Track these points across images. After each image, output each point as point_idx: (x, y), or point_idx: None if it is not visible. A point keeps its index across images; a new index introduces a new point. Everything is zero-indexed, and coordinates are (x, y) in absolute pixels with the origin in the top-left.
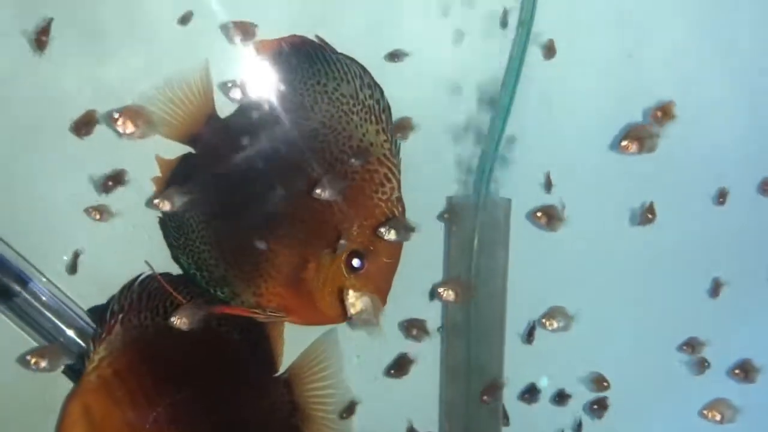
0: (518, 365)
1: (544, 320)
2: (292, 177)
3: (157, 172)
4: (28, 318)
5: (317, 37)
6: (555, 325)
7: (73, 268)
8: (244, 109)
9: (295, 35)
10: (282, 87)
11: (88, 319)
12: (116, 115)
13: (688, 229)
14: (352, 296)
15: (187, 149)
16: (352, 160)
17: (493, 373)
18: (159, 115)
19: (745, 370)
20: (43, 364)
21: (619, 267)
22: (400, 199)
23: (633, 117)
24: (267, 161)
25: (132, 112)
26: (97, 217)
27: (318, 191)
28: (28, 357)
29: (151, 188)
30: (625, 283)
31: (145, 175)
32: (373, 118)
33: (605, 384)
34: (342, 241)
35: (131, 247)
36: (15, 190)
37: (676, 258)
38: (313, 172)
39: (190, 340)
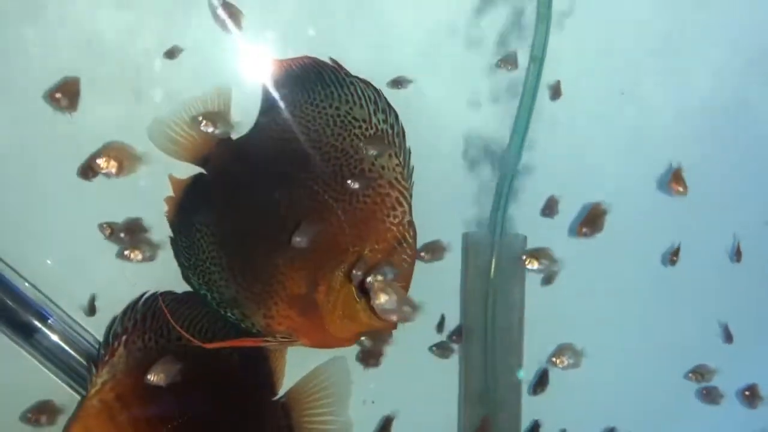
0: (535, 402)
1: (554, 359)
2: (302, 199)
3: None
4: (47, 353)
5: (331, 59)
6: (565, 362)
7: (91, 311)
8: (255, 131)
9: (307, 56)
10: (293, 109)
11: None
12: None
13: (705, 275)
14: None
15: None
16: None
17: (510, 409)
18: (172, 137)
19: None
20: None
21: (635, 305)
22: (411, 223)
23: (647, 151)
24: (278, 183)
25: (114, 151)
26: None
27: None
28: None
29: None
30: (642, 320)
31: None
32: (386, 141)
33: None
34: (356, 271)
35: (148, 278)
36: (34, 228)
37: (693, 300)
38: (325, 194)
39: (193, 362)
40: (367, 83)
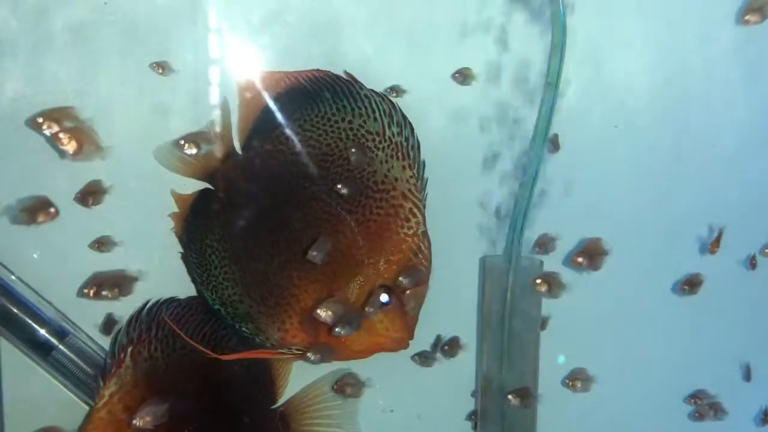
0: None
1: (567, 381)
2: (315, 212)
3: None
4: (64, 370)
5: (346, 72)
6: (578, 385)
7: (107, 329)
8: (264, 145)
9: (318, 69)
10: (303, 123)
11: None
12: (40, 120)
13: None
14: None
15: (202, 184)
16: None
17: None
18: (178, 155)
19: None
20: None
21: (651, 328)
22: (425, 234)
23: (666, 170)
24: (289, 197)
25: (76, 132)
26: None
27: (313, 254)
28: None
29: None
30: (659, 345)
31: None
32: (400, 155)
33: None
34: (374, 299)
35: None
36: (51, 247)
37: (712, 327)
38: (338, 206)
39: (197, 371)
40: (383, 96)
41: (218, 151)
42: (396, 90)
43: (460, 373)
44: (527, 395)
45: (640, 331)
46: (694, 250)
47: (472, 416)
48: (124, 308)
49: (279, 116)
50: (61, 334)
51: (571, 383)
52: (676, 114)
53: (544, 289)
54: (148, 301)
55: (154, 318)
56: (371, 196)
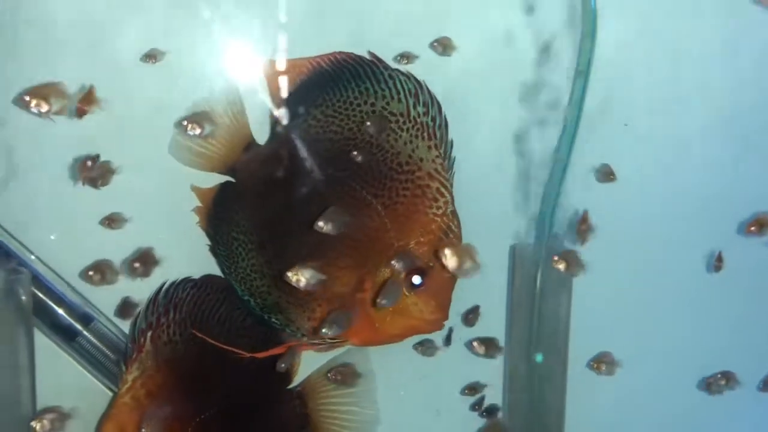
0: (579, 411)
1: (593, 363)
2: (340, 198)
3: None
4: (88, 356)
5: (370, 53)
6: (603, 368)
7: (122, 313)
8: (284, 133)
9: (340, 52)
10: (325, 108)
11: None
12: (27, 98)
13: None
14: (449, 253)
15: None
16: (354, 155)
17: (554, 415)
18: (195, 150)
19: None
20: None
21: (683, 313)
22: (455, 213)
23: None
24: (313, 184)
25: (43, 90)
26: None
27: (320, 224)
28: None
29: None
30: (691, 330)
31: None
32: (425, 134)
33: None
34: (397, 264)
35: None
36: (77, 234)
37: (743, 309)
38: (363, 190)
39: (216, 354)
40: (408, 75)
41: (237, 142)
42: (406, 56)
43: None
44: (493, 345)
45: (669, 312)
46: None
47: (476, 406)
48: (139, 290)
49: (300, 103)
50: (85, 320)
51: (596, 366)
52: (716, 93)
53: (561, 267)
54: (163, 284)
55: (171, 300)
56: (396, 178)
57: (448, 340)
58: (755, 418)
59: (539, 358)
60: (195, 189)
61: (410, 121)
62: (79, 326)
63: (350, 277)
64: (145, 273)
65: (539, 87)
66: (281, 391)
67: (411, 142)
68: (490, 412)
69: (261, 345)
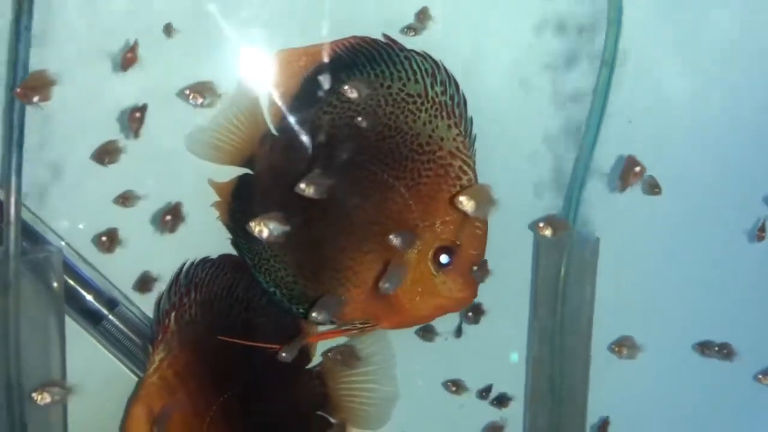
0: (600, 398)
1: (614, 347)
2: (362, 182)
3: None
4: (113, 340)
5: (384, 35)
6: (624, 352)
7: (141, 287)
8: (299, 121)
9: (354, 36)
10: (341, 95)
11: None
12: (187, 92)
13: None
14: (464, 199)
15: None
16: (360, 121)
17: (577, 401)
18: (212, 143)
19: None
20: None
21: (710, 299)
22: None
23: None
24: (333, 171)
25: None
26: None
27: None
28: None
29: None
30: (717, 315)
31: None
32: (444, 114)
33: None
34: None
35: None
36: (102, 219)
37: None
38: (384, 173)
39: (236, 334)
40: (425, 56)
41: (253, 134)
42: (413, 28)
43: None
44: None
45: (695, 297)
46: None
47: (483, 392)
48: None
49: (316, 90)
50: (111, 304)
51: (617, 349)
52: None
53: (547, 232)
54: (184, 264)
55: (192, 280)
56: (417, 159)
57: (459, 332)
58: None
59: (515, 357)
60: (213, 184)
61: (428, 101)
62: (104, 310)
63: (377, 261)
64: (173, 228)
65: (564, 71)
66: (300, 371)
67: (430, 122)
68: (501, 401)
69: (277, 324)
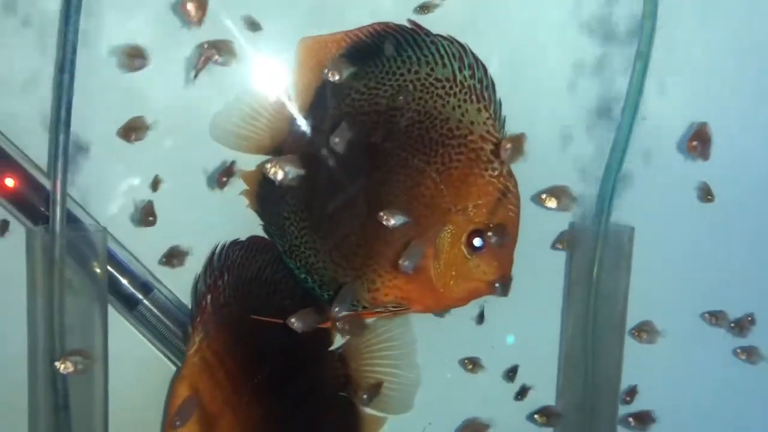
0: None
1: (634, 332)
2: (392, 168)
3: None
4: (148, 324)
5: (409, 21)
6: (644, 337)
7: (168, 261)
8: (327, 109)
9: (378, 23)
10: (367, 81)
11: None
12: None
13: None
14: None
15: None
16: (400, 98)
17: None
18: (239, 133)
19: None
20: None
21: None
22: (511, 173)
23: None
24: (363, 158)
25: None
26: None
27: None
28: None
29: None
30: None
31: None
32: (473, 97)
33: None
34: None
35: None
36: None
37: None
38: (414, 159)
39: (265, 316)
40: (451, 39)
41: (279, 122)
42: (426, 7)
43: (542, 342)
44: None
45: (730, 288)
46: None
47: (510, 374)
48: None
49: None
50: (146, 289)
51: (637, 334)
52: None
53: (552, 204)
54: (216, 246)
55: (224, 263)
56: (448, 143)
57: (480, 318)
58: None
59: (510, 339)
60: (241, 173)
61: (457, 86)
62: (139, 295)
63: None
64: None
65: (600, 64)
66: (323, 354)
67: (460, 106)
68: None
69: (304, 306)
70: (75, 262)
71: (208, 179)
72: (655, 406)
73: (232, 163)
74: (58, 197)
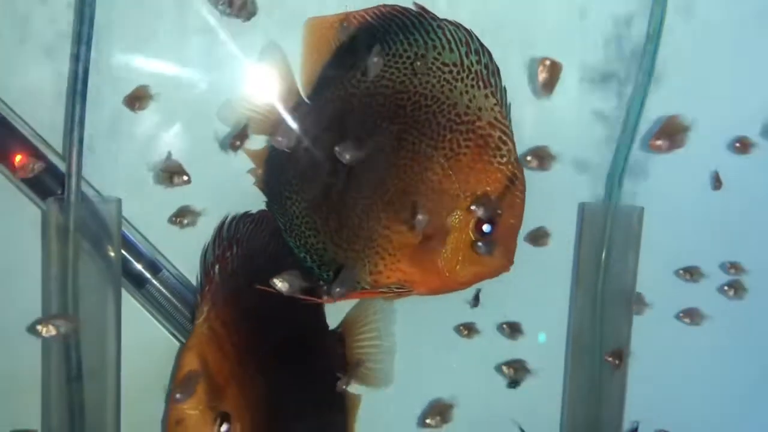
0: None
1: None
2: (396, 152)
3: None
4: (156, 304)
5: (415, 3)
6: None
7: (179, 221)
8: (332, 91)
9: (384, 5)
10: (373, 62)
11: None
12: None
13: None
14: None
15: None
16: (417, 63)
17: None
18: (245, 114)
19: None
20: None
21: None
22: (518, 160)
23: None
24: (368, 141)
25: None
26: None
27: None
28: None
29: None
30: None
31: None
32: (480, 83)
33: None
34: (419, 217)
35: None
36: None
37: None
38: (421, 143)
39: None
40: (457, 25)
41: (285, 103)
42: None
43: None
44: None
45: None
46: None
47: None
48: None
49: (348, 59)
50: (154, 268)
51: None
52: None
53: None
54: (226, 218)
55: (234, 235)
56: (456, 129)
57: (476, 301)
58: None
59: (542, 338)
60: (248, 151)
61: (464, 71)
62: (148, 274)
63: (415, 231)
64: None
65: (609, 46)
66: (326, 332)
67: (467, 92)
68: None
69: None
70: (90, 232)
71: (220, 143)
72: (662, 384)
73: (245, 126)
74: (74, 168)
